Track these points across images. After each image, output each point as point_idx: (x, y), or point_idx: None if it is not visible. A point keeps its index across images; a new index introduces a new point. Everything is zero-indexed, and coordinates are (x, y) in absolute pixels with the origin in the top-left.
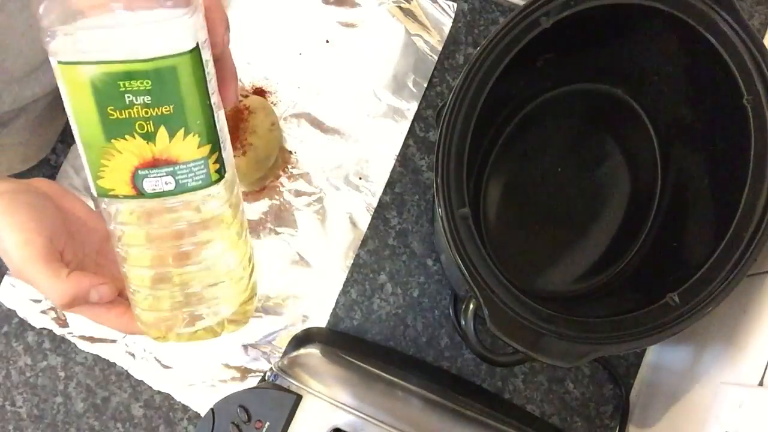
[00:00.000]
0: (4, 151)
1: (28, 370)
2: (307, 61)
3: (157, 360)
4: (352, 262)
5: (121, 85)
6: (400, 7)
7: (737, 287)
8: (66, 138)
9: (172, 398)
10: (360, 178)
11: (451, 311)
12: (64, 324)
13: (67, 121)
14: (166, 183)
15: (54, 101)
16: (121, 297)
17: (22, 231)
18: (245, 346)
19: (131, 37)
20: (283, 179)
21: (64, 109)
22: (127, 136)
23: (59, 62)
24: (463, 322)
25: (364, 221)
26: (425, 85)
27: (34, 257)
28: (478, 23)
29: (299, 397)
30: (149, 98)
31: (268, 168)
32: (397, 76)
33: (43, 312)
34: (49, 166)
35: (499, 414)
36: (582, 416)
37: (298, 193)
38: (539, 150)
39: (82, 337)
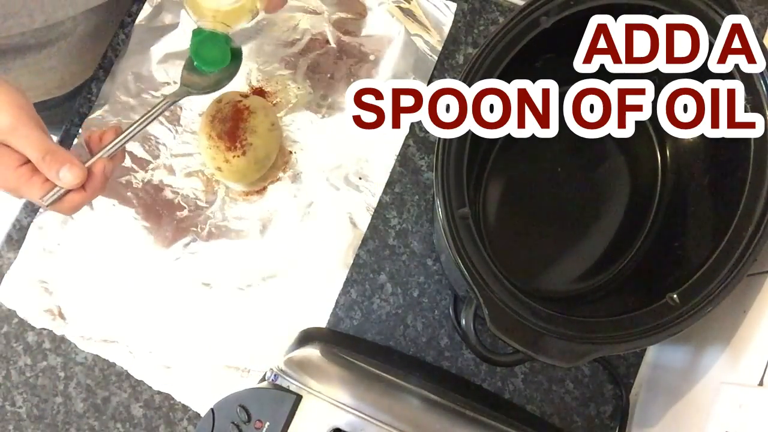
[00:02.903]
0: (42, 74)
1: (28, 370)
2: (307, 61)
3: (157, 360)
4: (352, 262)
5: None
6: (400, 7)
7: (737, 287)
8: (67, 139)
9: (172, 398)
10: (360, 178)
11: (451, 311)
12: (63, 320)
13: (67, 134)
14: None
15: (94, 29)
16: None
17: (15, 98)
18: (245, 346)
19: None
20: (283, 179)
21: (102, 37)
22: None
23: None
24: (463, 322)
25: (364, 221)
26: (425, 85)
27: (26, 117)
28: (478, 23)
29: (299, 397)
30: None
31: (268, 168)
32: (397, 76)
33: (44, 312)
34: None
35: (499, 414)
36: (582, 416)
37: (298, 194)
38: (539, 150)
39: (82, 337)
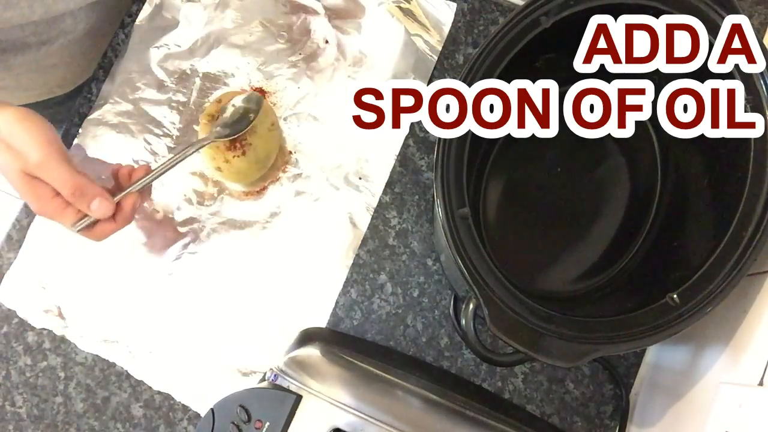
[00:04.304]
0: (43, 72)
1: (28, 370)
2: (307, 61)
3: (157, 360)
4: (352, 262)
5: None
6: (400, 7)
7: (737, 287)
8: (67, 138)
9: (172, 398)
10: (360, 178)
11: (451, 311)
12: (63, 320)
13: (67, 134)
14: None
15: (94, 28)
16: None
17: (45, 132)
18: (245, 346)
19: None
20: (283, 179)
21: (103, 36)
22: None
23: None
24: (463, 322)
25: (364, 221)
26: (425, 85)
27: (56, 152)
28: (478, 23)
29: (299, 397)
30: None
31: (268, 168)
32: (397, 76)
33: (44, 312)
34: None
35: (499, 414)
36: (582, 416)
37: (298, 193)
38: (539, 150)
39: (82, 337)
